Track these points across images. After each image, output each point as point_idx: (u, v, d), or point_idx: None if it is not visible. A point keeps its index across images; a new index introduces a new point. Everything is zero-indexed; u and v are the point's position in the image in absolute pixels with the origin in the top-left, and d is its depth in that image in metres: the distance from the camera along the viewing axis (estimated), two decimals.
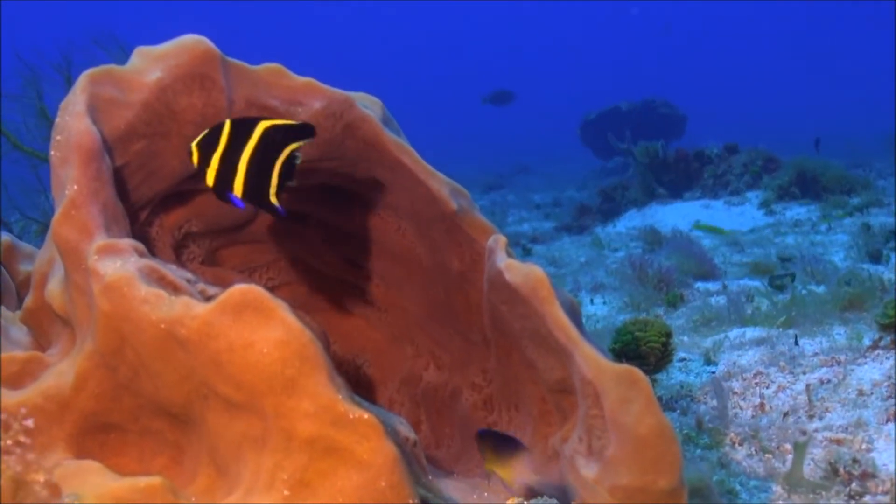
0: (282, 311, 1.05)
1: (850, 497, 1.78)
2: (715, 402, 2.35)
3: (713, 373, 2.66)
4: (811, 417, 2.18)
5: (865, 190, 6.53)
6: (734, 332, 3.06)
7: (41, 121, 4.00)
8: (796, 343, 2.76)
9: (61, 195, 1.26)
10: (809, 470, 1.89)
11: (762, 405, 2.32)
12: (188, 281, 1.22)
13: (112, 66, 1.41)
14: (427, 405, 1.91)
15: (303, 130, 1.32)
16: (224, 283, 1.26)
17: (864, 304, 3.09)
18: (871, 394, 2.23)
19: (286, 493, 1.04)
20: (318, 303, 1.99)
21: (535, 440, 1.48)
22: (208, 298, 1.18)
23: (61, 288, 1.30)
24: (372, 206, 1.83)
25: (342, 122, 1.59)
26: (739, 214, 6.64)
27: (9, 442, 1.16)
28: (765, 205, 6.69)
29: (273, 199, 1.31)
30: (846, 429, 2.06)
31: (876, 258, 4.38)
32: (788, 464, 1.95)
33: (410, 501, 1.05)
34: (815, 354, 2.60)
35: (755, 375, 2.51)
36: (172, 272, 1.19)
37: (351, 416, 1.03)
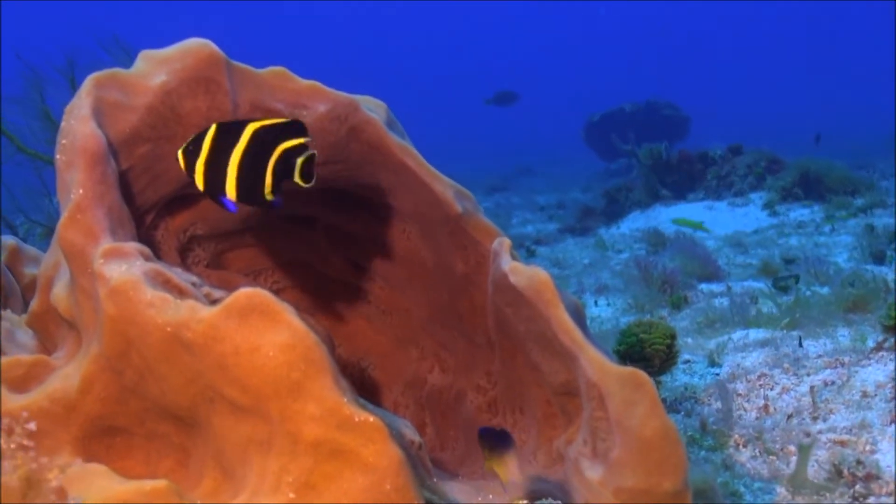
0: (287, 314, 1.06)
1: (854, 499, 1.78)
2: (719, 404, 2.35)
3: (717, 375, 2.66)
4: (815, 419, 2.18)
5: (869, 191, 6.53)
6: (738, 334, 3.06)
7: (45, 123, 4.01)
8: (800, 345, 2.76)
9: (67, 199, 1.26)
10: (813, 471, 1.89)
11: (766, 407, 2.32)
12: (193, 284, 1.22)
13: (117, 70, 1.41)
14: (432, 408, 1.91)
15: (295, 129, 1.31)
16: (229, 287, 1.26)
17: (868, 306, 3.08)
18: (875, 395, 2.23)
19: (292, 495, 1.04)
20: (322, 305, 1.99)
21: (540, 442, 1.48)
22: (214, 302, 1.18)
23: (67, 291, 1.30)
24: (376, 209, 1.83)
25: (347, 125, 1.60)
26: (743, 216, 6.63)
27: (12, 445, 1.17)
28: (768, 206, 6.68)
29: (269, 198, 1.31)
30: (850, 430, 2.06)
31: (879, 259, 4.37)
32: (792, 465, 1.94)
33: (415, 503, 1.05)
34: (819, 356, 2.60)
35: (759, 377, 2.50)
36: (178, 275, 1.19)
37: (356, 419, 1.03)
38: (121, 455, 1.24)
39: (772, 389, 2.41)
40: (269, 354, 1.03)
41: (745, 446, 2.12)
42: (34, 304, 1.44)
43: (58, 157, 1.31)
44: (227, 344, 1.05)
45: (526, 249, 6.26)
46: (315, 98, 1.56)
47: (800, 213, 6.37)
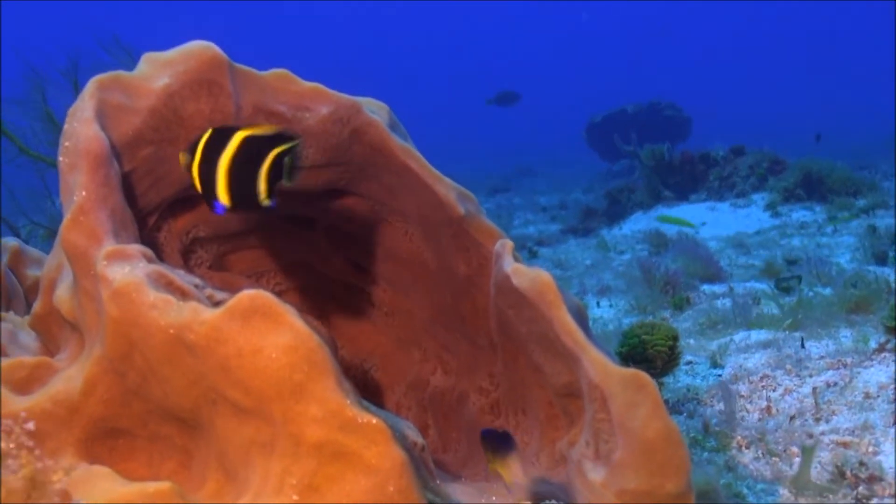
0: (290, 316, 1.06)
1: (857, 500, 1.78)
2: (722, 406, 2.35)
3: (720, 376, 2.66)
4: (818, 420, 2.18)
5: (871, 192, 6.52)
6: (740, 335, 3.06)
7: (46, 125, 4.01)
8: (802, 346, 2.76)
9: (70, 201, 1.26)
10: (816, 473, 1.89)
11: (769, 408, 2.32)
12: (196, 286, 1.22)
13: (120, 73, 1.41)
14: (434, 409, 1.91)
15: (285, 136, 1.31)
16: (232, 288, 1.26)
17: (871, 307, 3.08)
18: (878, 396, 2.23)
19: (295, 497, 1.04)
20: (325, 307, 1.99)
21: (543, 444, 1.48)
22: (216, 304, 1.18)
23: (70, 293, 1.30)
24: (379, 211, 1.83)
25: (349, 127, 1.60)
26: (745, 216, 6.63)
27: (14, 447, 1.17)
28: (770, 207, 6.68)
29: (264, 203, 1.31)
30: (853, 432, 2.06)
31: (882, 260, 4.37)
32: (795, 467, 1.95)
33: None
34: (822, 357, 2.60)
35: (762, 378, 2.50)
36: (181, 277, 1.20)
37: (359, 421, 1.03)
38: (124, 457, 1.24)
39: (774, 391, 2.41)
40: (271, 356, 1.03)
41: (747, 448, 2.12)
42: (37, 306, 1.44)
43: (61, 159, 1.31)
44: (229, 346, 1.05)
45: (528, 250, 6.26)
46: (317, 100, 1.56)
47: (802, 213, 6.36)
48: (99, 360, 1.18)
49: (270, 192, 1.31)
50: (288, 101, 1.54)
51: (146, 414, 1.21)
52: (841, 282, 3.56)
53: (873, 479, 1.81)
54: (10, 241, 1.89)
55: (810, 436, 2.07)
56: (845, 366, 2.49)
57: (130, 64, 1.47)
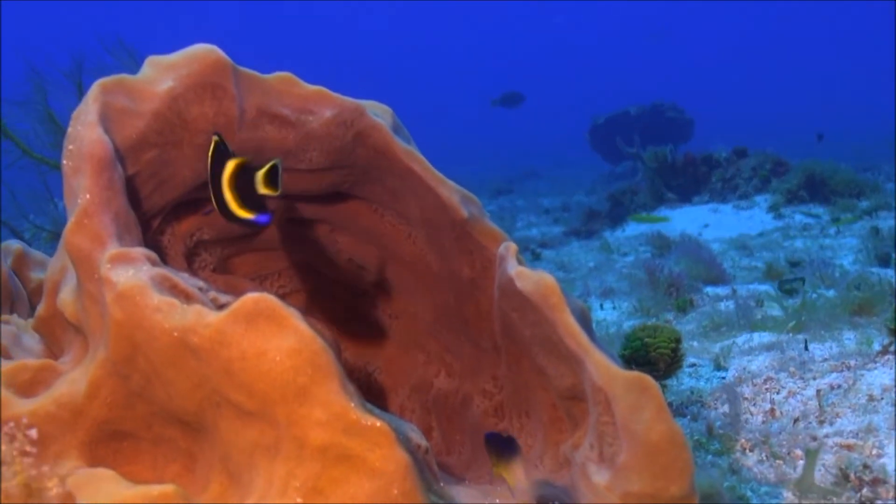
0: (294, 319, 1.06)
1: (861, 503, 1.78)
2: (726, 408, 2.35)
3: (723, 378, 2.66)
4: (821, 423, 2.18)
5: (874, 193, 6.53)
6: (743, 337, 3.06)
7: (49, 126, 4.01)
8: (806, 348, 2.75)
9: (74, 204, 1.26)
10: (820, 475, 1.89)
11: (773, 411, 2.31)
12: (200, 289, 1.22)
13: (124, 76, 1.41)
14: (438, 412, 1.91)
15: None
16: (236, 291, 1.27)
17: (874, 309, 3.08)
18: (882, 399, 2.23)
19: (299, 500, 1.04)
20: (329, 310, 2.00)
21: (546, 447, 1.48)
22: (220, 306, 1.18)
23: (74, 296, 1.30)
24: (382, 214, 1.84)
25: (353, 130, 1.60)
26: (748, 218, 6.63)
27: (16, 450, 1.17)
28: (773, 208, 6.68)
29: (243, 215, 1.31)
30: (856, 434, 2.06)
31: (885, 262, 4.36)
32: (799, 469, 1.94)
33: None
34: (825, 359, 2.60)
35: (765, 381, 2.50)
36: (185, 280, 1.20)
37: (363, 424, 1.03)
38: (128, 460, 1.24)
39: (778, 393, 2.41)
40: (275, 359, 1.03)
41: (751, 450, 2.11)
42: (41, 309, 1.44)
43: (64, 162, 1.31)
44: (233, 349, 1.05)
45: (531, 253, 6.26)
46: (321, 103, 1.56)
47: (804, 215, 6.36)
48: (103, 362, 1.18)
49: (245, 203, 1.30)
50: (291, 105, 1.54)
51: (150, 416, 1.22)
52: (844, 284, 3.56)
53: (877, 482, 1.81)
54: (14, 244, 1.89)
55: (814, 438, 2.07)
56: (849, 368, 2.48)
57: (132, 65, 1.47)
